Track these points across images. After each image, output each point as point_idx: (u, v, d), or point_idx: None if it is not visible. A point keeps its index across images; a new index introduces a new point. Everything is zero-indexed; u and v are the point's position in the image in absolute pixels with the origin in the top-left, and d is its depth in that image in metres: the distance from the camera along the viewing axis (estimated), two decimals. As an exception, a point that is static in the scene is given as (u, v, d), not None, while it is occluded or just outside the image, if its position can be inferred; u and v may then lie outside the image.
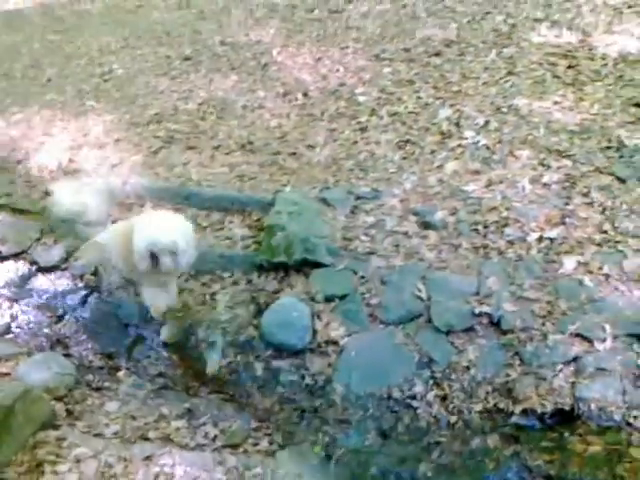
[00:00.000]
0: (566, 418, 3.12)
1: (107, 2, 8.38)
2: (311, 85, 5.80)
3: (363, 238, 3.91)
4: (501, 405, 3.20)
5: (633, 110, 4.68)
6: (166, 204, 4.31)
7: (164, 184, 4.41)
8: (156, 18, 7.65)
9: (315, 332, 3.52)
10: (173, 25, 7.33)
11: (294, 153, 4.81)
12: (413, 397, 3.26)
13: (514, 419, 3.14)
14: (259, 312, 3.65)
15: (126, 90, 5.90)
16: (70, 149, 4.94)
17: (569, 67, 5.42)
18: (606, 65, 5.37)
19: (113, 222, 4.18)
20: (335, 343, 3.49)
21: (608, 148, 4.33)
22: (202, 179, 4.49)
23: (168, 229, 3.22)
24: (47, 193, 4.39)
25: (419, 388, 3.29)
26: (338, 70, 6.04)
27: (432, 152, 4.57)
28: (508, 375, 3.28)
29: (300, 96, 5.63)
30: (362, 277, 3.70)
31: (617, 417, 3.08)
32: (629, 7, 6.41)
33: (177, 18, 7.57)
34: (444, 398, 3.25)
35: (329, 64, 6.18)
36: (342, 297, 3.63)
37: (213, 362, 3.47)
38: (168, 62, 6.37)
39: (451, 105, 5.11)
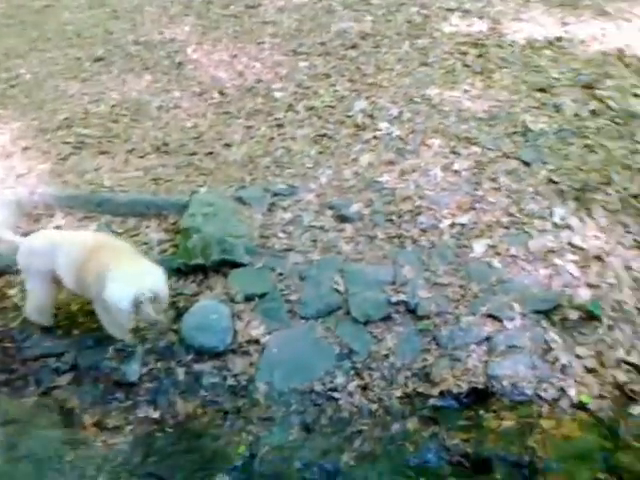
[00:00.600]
0: (481, 396, 3.23)
1: (12, 2, 8.02)
2: (227, 83, 5.75)
3: (280, 235, 3.92)
4: (420, 389, 3.28)
5: (538, 95, 4.86)
6: (77, 212, 4.19)
7: (74, 192, 4.27)
8: (66, 18, 7.37)
9: (236, 332, 3.51)
10: (84, 25, 7.09)
11: (210, 153, 4.76)
12: (335, 389, 3.30)
13: (432, 401, 3.23)
14: (179, 316, 3.60)
15: (34, 95, 5.68)
16: (-26, 160, 4.73)
17: (479, 56, 5.57)
18: (513, 52, 5.56)
19: (23, 235, 4.05)
20: (256, 342, 3.49)
21: (514, 133, 4.49)
22: (115, 184, 4.38)
23: (151, 278, 3.10)
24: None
25: (340, 380, 3.34)
26: (255, 66, 6.00)
27: (347, 145, 4.62)
28: (425, 360, 3.37)
29: (216, 94, 5.57)
30: (280, 274, 3.71)
31: (528, 391, 3.22)
32: (534, -5, 6.64)
33: (88, 18, 7.32)
34: (365, 387, 3.31)
35: (245, 60, 6.14)
36: (262, 295, 3.63)
37: (133, 371, 3.41)
38: (79, 64, 6.17)
39: (366, 97, 5.17)
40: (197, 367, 3.44)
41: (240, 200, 4.13)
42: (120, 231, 4.11)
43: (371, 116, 4.90)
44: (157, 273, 3.18)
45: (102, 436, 3.14)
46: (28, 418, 3.24)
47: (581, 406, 3.13)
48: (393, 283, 3.60)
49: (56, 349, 3.53)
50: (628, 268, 3.54)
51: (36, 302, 3.48)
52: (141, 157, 4.73)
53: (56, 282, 3.44)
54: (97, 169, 4.55)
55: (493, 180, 4.12)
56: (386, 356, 3.40)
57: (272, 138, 4.87)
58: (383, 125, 4.76)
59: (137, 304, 3.01)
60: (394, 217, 3.95)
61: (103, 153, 4.76)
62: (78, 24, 7.18)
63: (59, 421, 3.21)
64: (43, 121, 5.22)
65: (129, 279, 3.06)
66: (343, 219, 3.98)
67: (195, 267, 3.76)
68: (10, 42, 6.84)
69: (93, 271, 3.18)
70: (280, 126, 5.01)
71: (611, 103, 4.58)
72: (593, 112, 4.54)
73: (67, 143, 4.86)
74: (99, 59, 6.29)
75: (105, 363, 3.44)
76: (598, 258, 3.59)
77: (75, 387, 3.39)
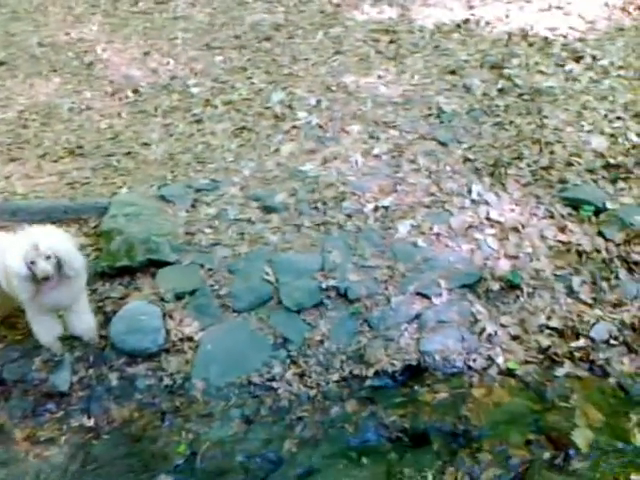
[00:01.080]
0: (415, 372, 3.33)
1: None
2: (141, 81, 5.63)
3: (206, 230, 3.87)
4: (356, 371, 3.34)
5: (449, 77, 5.03)
6: (-9, 222, 4.00)
7: (-16, 202, 4.08)
8: (-39, 22, 7.00)
9: (168, 332, 3.44)
10: (-18, 28, 6.75)
11: (129, 153, 4.65)
12: (273, 379, 3.31)
13: (368, 382, 3.29)
14: (107, 321, 3.50)
15: None
16: None
17: (391, 42, 5.70)
18: (424, 37, 5.72)
19: None
20: (190, 339, 3.44)
21: (429, 115, 4.62)
22: (29, 191, 4.21)
23: (43, 235, 2.97)
24: None
25: (277, 369, 3.34)
26: (168, 63, 5.91)
27: (268, 136, 4.62)
28: (359, 342, 3.42)
29: (130, 93, 5.44)
30: (209, 269, 3.67)
31: (459, 363, 3.34)
32: (439, -19, 6.83)
33: (-14, 20, 6.98)
34: (302, 375, 3.33)
35: (158, 57, 6.02)
36: (192, 292, 3.58)
37: (63, 380, 3.29)
38: (-21, 70, 5.87)
39: (283, 88, 5.19)
40: (130, 370, 3.36)
41: (162, 198, 4.06)
42: (38, 239, 3.94)
43: (289, 106, 4.92)
44: (53, 233, 3.08)
45: (35, 450, 3.02)
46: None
47: (509, 373, 3.28)
48: (322, 269, 3.63)
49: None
50: (543, 237, 3.71)
51: None
52: (54, 161, 4.56)
53: None
54: (8, 177, 4.36)
55: (412, 162, 4.22)
56: (321, 342, 3.43)
57: (191, 134, 4.81)
58: (302, 115, 4.79)
59: (30, 263, 2.91)
60: (319, 204, 3.98)
61: (14, 160, 4.56)
62: (-26, 27, 6.83)
63: (-14, 440, 3.06)
64: (-56, 130, 4.94)
65: (20, 244, 2.96)
66: (269, 210, 3.97)
67: (121, 269, 3.66)
68: None
69: None
70: (199, 122, 4.96)
71: (518, 81, 4.79)
72: (501, 90, 4.74)
73: (-27, 152, 4.62)
74: (2, 63, 6.01)
75: (33, 375, 3.30)
76: (515, 230, 3.75)
77: (2, 402, 3.23)
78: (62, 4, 7.18)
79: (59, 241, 3.03)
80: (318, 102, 4.90)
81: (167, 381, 3.34)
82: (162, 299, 3.57)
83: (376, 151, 4.34)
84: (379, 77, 5.10)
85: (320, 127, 4.61)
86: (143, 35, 6.46)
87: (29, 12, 7.03)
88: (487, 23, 5.81)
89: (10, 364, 3.37)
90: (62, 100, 5.35)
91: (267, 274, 3.62)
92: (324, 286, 3.56)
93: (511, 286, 3.52)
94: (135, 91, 5.44)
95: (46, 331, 3.32)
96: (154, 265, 3.70)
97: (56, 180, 4.33)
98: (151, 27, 6.70)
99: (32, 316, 3.29)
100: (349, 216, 3.89)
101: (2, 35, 6.48)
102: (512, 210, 3.85)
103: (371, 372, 3.32)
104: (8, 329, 3.55)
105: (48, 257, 2.94)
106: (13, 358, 3.39)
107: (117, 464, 2.99)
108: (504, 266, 3.58)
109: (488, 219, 3.80)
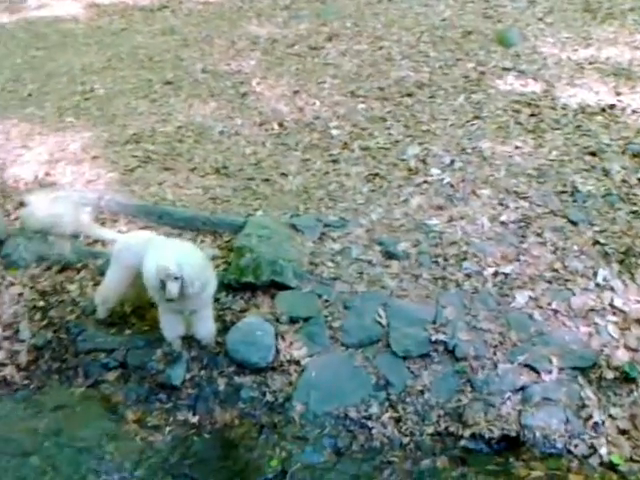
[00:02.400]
0: (512, 444, 3.29)
1: (91, 24, 8.53)
2: (287, 116, 6.01)
3: (329, 264, 4.07)
4: (451, 429, 3.35)
5: (588, 158, 4.99)
6: (139, 221, 4.42)
7: (139, 202, 4.51)
8: (139, 42, 7.81)
9: (278, 351, 3.64)
10: (156, 50, 7.50)
11: (267, 180, 4.98)
12: (369, 417, 3.39)
13: (463, 442, 3.30)
14: (225, 330, 3.75)
15: (106, 109, 6.02)
16: (47, 163, 5.01)
17: (532, 115, 5.75)
18: (566, 115, 5.72)
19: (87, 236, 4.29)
20: (297, 363, 3.61)
21: (563, 192, 4.61)
22: (176, 199, 4.61)
23: (175, 256, 3.25)
24: (22, 204, 4.46)
25: (375, 409, 3.42)
26: (314, 104, 6.27)
27: (399, 186, 4.79)
28: (459, 400, 3.44)
29: (276, 126, 5.83)
30: (326, 301, 3.84)
31: (559, 445, 3.27)
32: (590, 63, 6.83)
33: (160, 43, 7.75)
34: (398, 420, 3.39)
35: (305, 97, 6.41)
36: (306, 319, 3.77)
37: (177, 375, 3.55)
38: (149, 85, 6.52)
39: (419, 143, 5.36)
40: (238, 380, 3.57)
41: (293, 227, 4.31)
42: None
43: (423, 161, 5.08)
44: (185, 251, 3.39)
45: (142, 433, 3.28)
46: (75, 407, 3.39)
47: (611, 466, 3.17)
48: (434, 322, 3.70)
49: (107, 345, 3.70)
50: (668, 335, 3.58)
51: (108, 290, 3.69)
52: (202, 176, 4.96)
53: (134, 280, 3.62)
54: (160, 183, 4.79)
55: (539, 235, 4.23)
56: (421, 392, 3.48)
57: (327, 172, 5.08)
58: (435, 171, 4.93)
59: (160, 280, 3.20)
60: (440, 259, 4.07)
61: (167, 169, 5.01)
62: (150, 49, 7.59)
63: (103, 413, 3.35)
64: (113, 134, 5.52)
65: (156, 253, 3.30)
66: (390, 256, 4.11)
67: (245, 285, 3.92)
68: (86, 59, 7.27)
69: None
70: (335, 162, 5.22)
71: (661, 174, 4.68)
72: (642, 181, 4.64)
73: (134, 157, 5.13)
74: (168, 82, 6.64)
75: (152, 364, 3.60)
76: (639, 322, 3.64)
77: (121, 383, 3.54)
78: (227, 37, 7.82)
79: (188, 263, 3.29)
80: (452, 162, 5.03)
81: (269, 397, 3.52)
82: (277, 320, 3.78)
83: (503, 218, 4.38)
84: (516, 147, 5.16)
85: (451, 186, 4.72)
86: (295, 75, 6.91)
87: (197, 41, 7.72)
88: (633, 112, 5.72)
89: (134, 350, 3.69)
90: (215, 123, 5.82)
91: (380, 316, 3.74)
92: (433, 339, 3.63)
93: (626, 378, 3.41)
94: (281, 125, 5.83)
95: (171, 328, 3.60)
96: (276, 287, 3.92)
97: (201, 193, 4.72)
98: (302, 69, 7.15)
99: (162, 312, 3.60)
100: (468, 276, 3.95)
101: (173, 58, 7.17)
102: (638, 301, 3.74)
103: (467, 433, 3.32)
104: (138, 319, 3.89)
105: (176, 278, 3.22)
106: (138, 345, 3.71)
107: (213, 464, 3.18)
108: (622, 356, 3.48)
109: (611, 306, 3.72)
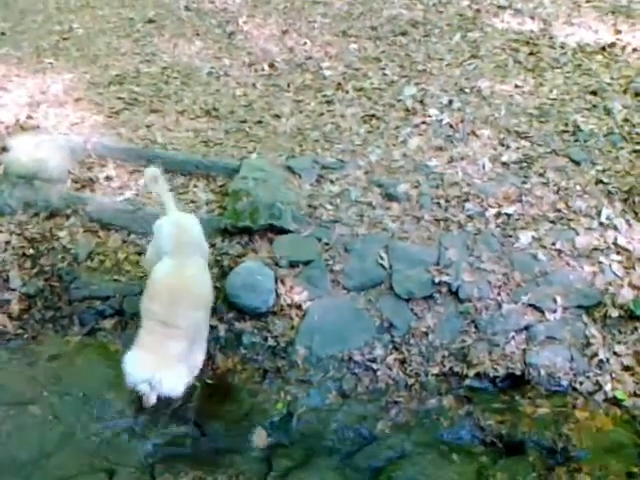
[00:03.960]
0: (517, 382, 3.29)
1: (66, -40, 8.06)
2: (277, 56, 5.78)
3: (328, 207, 3.96)
4: (456, 369, 3.33)
5: (589, 97, 4.87)
6: (128, 165, 4.24)
7: (127, 145, 4.32)
8: (117, -21, 7.41)
9: (278, 296, 3.55)
10: (135, -13, 7.12)
11: (260, 122, 4.80)
12: (373, 360, 3.36)
13: (468, 382, 3.29)
14: (223, 275, 3.65)
15: (86, 50, 5.72)
16: (28, 105, 4.76)
17: (530, 54, 5.58)
18: (565, 54, 5.56)
19: (74, 181, 4.11)
20: (298, 307, 3.54)
21: (564, 132, 4.51)
22: (167, 142, 4.43)
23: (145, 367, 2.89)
24: (4, 149, 4.24)
25: (379, 351, 3.39)
26: (305, 43, 6.03)
27: (396, 127, 4.65)
28: (464, 341, 3.41)
29: (266, 67, 5.60)
30: (326, 244, 3.75)
31: (564, 382, 3.27)
32: (587, 1, 6.63)
33: (139, -20, 7.36)
34: (403, 361, 3.36)
35: (296, 37, 6.16)
36: (306, 263, 3.67)
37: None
38: (130, 24, 6.21)
39: (416, 83, 5.19)
40: (238, 325, 3.50)
41: (289, 169, 4.17)
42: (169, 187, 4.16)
43: (421, 102, 4.92)
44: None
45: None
46: (72, 356, 3.30)
47: (616, 402, 3.18)
48: (437, 264, 3.64)
49: (102, 293, 3.59)
50: (672, 273, 3.56)
51: (151, 258, 3.43)
52: (192, 119, 4.77)
53: None
54: (149, 126, 4.59)
55: (541, 175, 4.14)
56: (425, 334, 3.44)
57: (321, 114, 4.90)
58: (433, 112, 4.79)
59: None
60: (441, 201, 3.98)
61: (155, 112, 4.80)
62: (129, -15, 7.20)
63: (102, 361, 3.27)
64: (95, 75, 5.26)
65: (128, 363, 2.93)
66: (390, 198, 4.01)
67: (242, 229, 3.80)
68: (62, -3, 6.88)
69: None
70: (329, 103, 5.04)
71: (663, 112, 4.59)
72: (644, 119, 4.55)
73: (120, 98, 4.90)
74: (151, 21, 6.33)
75: (149, 311, 3.48)
76: (643, 260, 3.61)
77: (119, 331, 3.45)
78: (209, -26, 7.46)
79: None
80: (450, 102, 4.88)
81: (271, 342, 3.46)
82: (277, 264, 3.68)
83: (505, 158, 4.28)
84: (516, 86, 5.01)
85: (450, 126, 4.59)
86: (283, 14, 6.62)
87: (180, -23, 7.35)
88: (634, 50, 5.58)
89: (131, 297, 3.58)
90: (202, 63, 5.58)
91: (382, 258, 3.66)
92: (437, 280, 3.57)
93: (631, 316, 3.40)
94: (271, 65, 5.60)
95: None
96: (274, 231, 3.81)
97: (192, 136, 4.54)
98: (291, 7, 6.85)
99: None
100: (470, 217, 3.87)
101: (153, -4, 6.82)
102: (642, 240, 3.71)
103: (472, 373, 3.31)
104: (132, 265, 3.77)
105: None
106: (134, 292, 3.59)
107: (216, 409, 3.13)
108: (627, 294, 3.46)
109: (615, 244, 3.68)
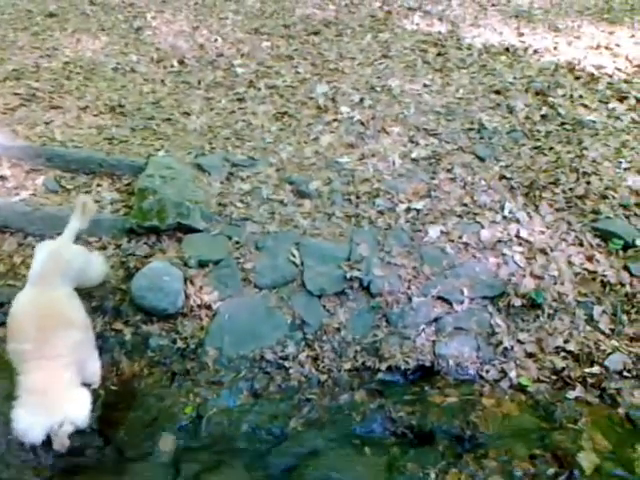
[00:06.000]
0: (427, 373, 3.34)
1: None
2: (187, 53, 5.66)
3: (238, 204, 3.89)
4: (368, 363, 3.35)
5: (493, 96, 5.05)
6: (24, 164, 4.00)
7: (24, 143, 4.08)
8: (16, -29, 7.03)
9: (187, 296, 3.45)
10: (35, -21, 6.77)
11: (169, 119, 4.66)
12: (285, 358, 3.31)
13: (380, 376, 3.31)
14: (129, 277, 3.50)
15: (-21, 42, 5.39)
16: None
17: (438, 54, 5.74)
18: (471, 55, 5.75)
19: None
20: (208, 307, 3.44)
21: (470, 130, 4.65)
22: (67, 140, 4.21)
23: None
24: None
25: (291, 349, 3.35)
26: (216, 40, 5.94)
27: (308, 125, 4.64)
28: (375, 335, 3.43)
29: (176, 63, 5.47)
30: (237, 242, 3.68)
31: (471, 371, 3.35)
32: (493, 5, 6.91)
33: (40, -28, 7.00)
34: (315, 358, 3.34)
35: (207, 34, 6.06)
36: (216, 262, 3.59)
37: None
38: (29, 17, 5.92)
39: (328, 82, 5.22)
40: (145, 328, 3.37)
41: (199, 167, 4.07)
42: (70, 187, 3.97)
43: (333, 100, 4.95)
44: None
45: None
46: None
47: (520, 388, 3.28)
48: (348, 260, 3.64)
49: (-5, 300, 3.36)
50: (570, 263, 3.72)
51: None
52: (95, 115, 4.57)
53: None
54: (48, 123, 4.36)
55: (449, 171, 4.24)
56: (337, 330, 3.44)
57: (233, 111, 4.83)
58: (344, 109, 4.82)
59: None
60: (352, 197, 4.00)
61: (55, 108, 4.57)
62: (29, -22, 6.85)
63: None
64: (-12, 70, 4.96)
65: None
66: (302, 195, 3.99)
67: (149, 229, 3.67)
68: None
69: None
70: (241, 100, 4.98)
71: (561, 110, 4.81)
72: (544, 117, 4.76)
73: (16, 94, 4.64)
74: (52, 15, 6.05)
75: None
76: (543, 251, 3.75)
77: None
78: (117, -32, 7.21)
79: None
80: (361, 100, 4.93)
81: (180, 344, 3.35)
82: (185, 264, 3.58)
83: (414, 155, 4.36)
84: (424, 85, 5.13)
85: (361, 124, 4.63)
86: (194, 10, 6.50)
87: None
88: (535, 51, 5.84)
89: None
90: (107, 59, 5.37)
91: (293, 256, 3.63)
92: (348, 276, 3.57)
93: (533, 305, 3.53)
94: (181, 62, 5.47)
95: None
96: (182, 230, 3.70)
97: (95, 133, 4.34)
98: (202, 4, 6.75)
99: None
100: (381, 213, 3.91)
101: (55, -12, 6.51)
102: (542, 232, 3.86)
103: (384, 366, 3.33)
104: (27, 269, 3.54)
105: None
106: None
107: (121, 416, 2.99)
108: (528, 284, 3.58)
109: (518, 237, 3.81)
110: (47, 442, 2.59)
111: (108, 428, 2.87)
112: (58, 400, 2.58)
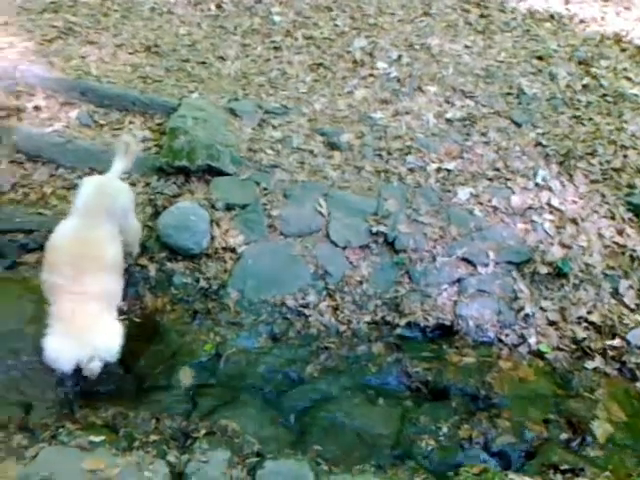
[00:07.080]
0: (446, 332, 3.34)
1: None
2: (225, -3, 5.56)
3: (269, 151, 3.86)
4: (388, 318, 3.35)
5: (535, 62, 4.92)
6: (59, 96, 4.00)
7: (59, 75, 4.06)
8: None
9: (213, 238, 3.46)
10: None
11: (203, 62, 4.61)
12: (306, 306, 3.33)
13: (399, 331, 3.31)
14: (156, 214, 3.52)
15: (18, -26, 5.33)
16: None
17: (481, 16, 5.57)
18: (515, 19, 5.58)
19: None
20: (233, 250, 3.46)
21: (509, 94, 4.54)
22: (102, 75, 4.19)
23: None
24: None
25: (312, 298, 3.36)
26: (255, -14, 5.82)
27: (344, 78, 4.57)
28: (397, 291, 3.43)
29: (213, 7, 5.38)
30: (265, 189, 3.67)
31: (491, 334, 3.34)
32: (540, -31, 6.66)
33: None
34: (335, 308, 3.35)
35: (245, -22, 5.93)
36: (243, 206, 3.59)
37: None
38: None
39: (366, 36, 5.10)
40: (170, 265, 3.40)
41: (231, 111, 4.04)
42: (102, 122, 3.97)
43: (370, 54, 4.85)
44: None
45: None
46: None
47: (539, 354, 3.28)
48: (375, 214, 3.62)
49: (26, 226, 3.40)
50: (600, 235, 3.67)
51: None
52: (130, 53, 4.53)
53: None
54: (84, 57, 4.33)
55: (483, 134, 4.17)
56: (359, 282, 3.44)
57: (268, 59, 4.76)
58: (381, 65, 4.73)
59: None
60: (383, 153, 3.95)
61: (91, 43, 4.53)
62: None
63: (23, 296, 3.11)
64: (26, 1, 4.91)
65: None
66: (333, 146, 3.95)
67: (178, 169, 3.67)
68: None
69: None
70: (277, 49, 4.90)
71: (603, 82, 4.68)
72: (586, 87, 4.63)
73: (53, 27, 4.59)
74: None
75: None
76: (573, 221, 3.70)
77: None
78: None
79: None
80: (399, 57, 4.83)
81: (203, 284, 3.37)
82: (213, 206, 3.58)
83: (449, 115, 4.28)
84: (465, 46, 5.00)
85: (397, 81, 4.55)
86: (233, -45, 6.36)
87: None
88: (581, 21, 5.65)
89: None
90: (145, -1, 5.30)
91: (320, 206, 3.61)
92: (374, 230, 3.55)
93: (558, 274, 3.49)
94: (218, 6, 5.38)
95: None
96: (211, 172, 3.69)
97: (129, 71, 4.32)
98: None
99: None
100: (411, 170, 3.87)
101: None
102: (574, 202, 3.79)
103: (403, 322, 3.33)
104: (58, 199, 3.59)
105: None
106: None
107: (143, 348, 3.04)
108: (556, 253, 3.54)
109: (549, 205, 3.76)
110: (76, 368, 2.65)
111: (129, 358, 2.90)
112: (88, 333, 2.61)
